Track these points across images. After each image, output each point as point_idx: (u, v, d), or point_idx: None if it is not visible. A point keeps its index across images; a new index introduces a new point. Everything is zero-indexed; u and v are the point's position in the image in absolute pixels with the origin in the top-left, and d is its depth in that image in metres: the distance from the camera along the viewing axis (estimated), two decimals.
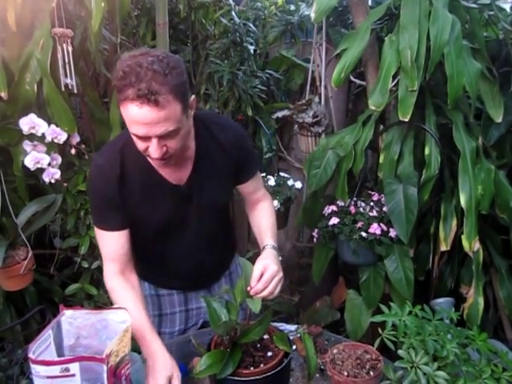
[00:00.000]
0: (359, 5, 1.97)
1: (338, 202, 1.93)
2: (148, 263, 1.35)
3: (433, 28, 1.66)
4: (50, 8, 1.58)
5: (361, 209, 1.84)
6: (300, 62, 2.54)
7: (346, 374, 1.07)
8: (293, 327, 1.46)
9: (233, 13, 2.31)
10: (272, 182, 2.14)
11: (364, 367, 1.08)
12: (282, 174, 2.33)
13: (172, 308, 1.47)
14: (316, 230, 1.98)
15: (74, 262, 1.93)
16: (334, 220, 1.83)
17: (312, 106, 2.25)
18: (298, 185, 2.22)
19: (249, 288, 1.15)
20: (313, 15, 1.96)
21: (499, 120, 1.83)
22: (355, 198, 1.92)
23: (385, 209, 1.81)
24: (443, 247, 1.85)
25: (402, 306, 1.05)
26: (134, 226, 1.24)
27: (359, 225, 1.77)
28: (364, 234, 1.75)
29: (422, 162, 1.84)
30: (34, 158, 1.63)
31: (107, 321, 1.06)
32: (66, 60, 1.64)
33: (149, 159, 1.15)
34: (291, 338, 1.28)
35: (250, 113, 2.40)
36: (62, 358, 0.93)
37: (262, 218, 1.41)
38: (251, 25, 2.37)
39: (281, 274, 1.19)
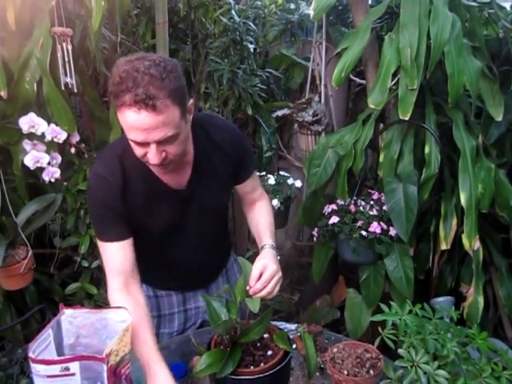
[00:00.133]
0: (359, 3, 1.96)
1: (338, 201, 1.93)
2: (147, 266, 1.34)
3: (433, 26, 1.66)
4: (49, 7, 1.58)
5: (361, 208, 1.84)
6: (300, 61, 2.54)
7: (346, 372, 1.07)
8: (293, 326, 1.47)
9: (233, 11, 2.30)
10: (272, 180, 2.14)
11: (364, 366, 1.08)
12: (281, 172, 2.33)
13: (171, 309, 1.47)
14: (316, 229, 1.98)
15: (73, 261, 1.93)
16: (334, 219, 1.83)
17: (312, 104, 2.25)
18: (298, 184, 2.22)
19: (248, 287, 1.15)
20: (311, 13, 1.96)
21: (499, 119, 1.83)
22: (355, 197, 1.92)
23: (385, 208, 1.81)
24: (443, 246, 1.85)
25: (402, 304, 1.05)
26: (134, 231, 1.22)
27: (359, 224, 1.77)
28: (364, 233, 1.75)
29: (422, 160, 1.84)
30: (33, 157, 1.63)
31: (107, 320, 1.06)
32: (66, 59, 1.64)
33: (148, 165, 1.14)
34: (291, 336, 1.29)
35: (249, 111, 2.40)
36: (62, 358, 0.93)
37: (260, 217, 1.41)
38: (251, 23, 2.37)
39: (280, 274, 1.19)
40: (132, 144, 1.06)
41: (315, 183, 1.98)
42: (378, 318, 1.04)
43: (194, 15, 2.26)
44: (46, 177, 1.67)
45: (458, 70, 1.67)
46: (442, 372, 0.92)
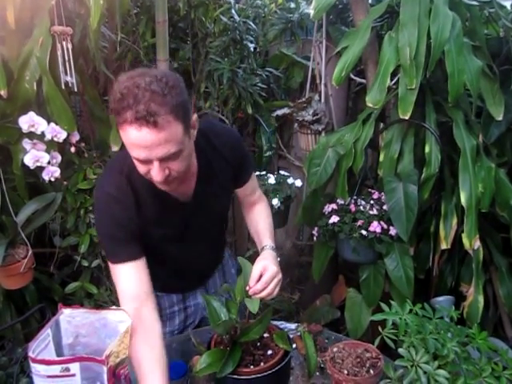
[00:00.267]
0: (359, 2, 1.96)
1: (338, 201, 1.93)
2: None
3: (433, 25, 1.66)
4: (49, 6, 1.58)
5: (361, 207, 1.84)
6: (300, 60, 2.54)
7: (346, 372, 1.06)
8: (293, 325, 1.47)
9: (233, 11, 2.30)
10: (272, 180, 2.14)
11: (364, 366, 1.08)
12: (281, 172, 2.33)
13: (171, 307, 1.48)
14: (316, 229, 1.98)
15: (73, 260, 1.93)
16: (334, 218, 1.83)
17: (312, 103, 2.25)
18: (298, 183, 2.21)
19: (247, 288, 1.15)
20: (312, 12, 1.96)
21: (500, 118, 1.83)
22: (355, 197, 1.91)
23: (385, 207, 1.81)
24: (443, 245, 1.85)
25: (403, 304, 1.05)
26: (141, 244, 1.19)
27: (359, 223, 1.77)
28: (364, 233, 1.75)
29: (423, 160, 1.84)
30: (33, 156, 1.63)
31: (106, 319, 1.06)
32: (66, 58, 1.64)
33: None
34: (291, 336, 1.29)
35: (249, 111, 2.39)
36: (63, 358, 0.93)
37: (260, 219, 1.42)
38: (251, 23, 2.36)
39: (280, 276, 1.20)
40: (135, 161, 1.04)
41: (315, 182, 1.98)
42: (378, 317, 1.04)
43: (194, 14, 2.25)
44: (45, 176, 1.67)
45: (458, 69, 1.67)
46: (442, 372, 0.92)
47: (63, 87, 1.67)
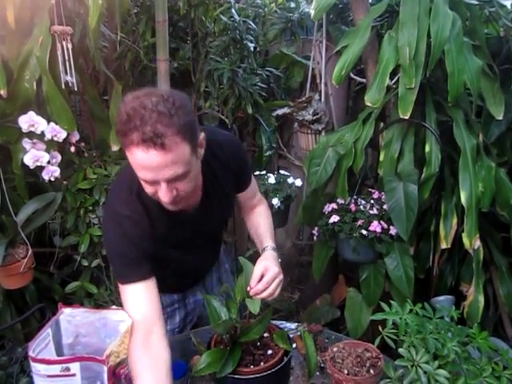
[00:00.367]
0: (360, 2, 1.96)
1: (338, 200, 1.93)
2: None
3: (433, 25, 1.66)
4: (49, 5, 1.58)
5: (361, 207, 1.84)
6: (300, 60, 2.53)
7: (346, 372, 1.06)
8: (293, 325, 1.47)
9: (233, 10, 2.30)
10: (272, 179, 2.13)
11: (364, 365, 1.08)
12: (282, 171, 2.33)
13: (171, 305, 1.49)
14: (316, 228, 1.98)
15: (73, 260, 1.93)
16: (335, 218, 1.83)
17: (312, 103, 2.24)
18: (298, 183, 2.21)
19: (248, 288, 1.15)
20: (312, 12, 1.96)
21: (500, 117, 1.82)
22: (355, 196, 1.91)
23: (385, 207, 1.81)
24: (443, 245, 1.85)
25: (403, 304, 1.05)
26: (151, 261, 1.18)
27: (359, 223, 1.77)
28: (364, 232, 1.75)
29: (423, 159, 1.83)
30: (33, 156, 1.63)
31: (106, 319, 1.06)
32: (66, 57, 1.64)
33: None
34: (291, 336, 1.29)
35: (249, 110, 2.39)
36: (63, 358, 0.93)
37: (260, 220, 1.43)
38: (251, 22, 2.36)
39: (281, 277, 1.20)
40: (142, 182, 1.03)
41: (315, 182, 1.98)
42: (379, 317, 1.04)
43: (194, 14, 2.25)
44: (45, 176, 1.67)
45: (458, 69, 1.67)
46: (442, 371, 0.92)
47: (63, 87, 1.67)
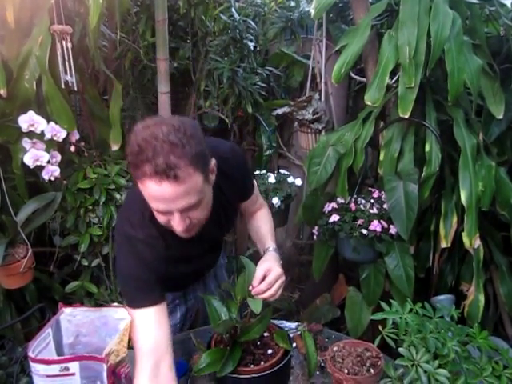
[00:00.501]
0: (359, 1, 1.96)
1: (339, 199, 1.93)
2: None
3: (433, 24, 1.66)
4: (48, 5, 1.57)
5: (361, 206, 1.84)
6: (300, 59, 2.53)
7: (346, 371, 1.06)
8: (293, 325, 1.47)
9: (232, 9, 2.30)
10: (272, 179, 2.13)
11: (364, 365, 1.08)
12: (282, 171, 2.33)
13: (173, 301, 1.51)
14: (316, 228, 1.98)
15: (73, 259, 1.93)
16: (335, 217, 1.82)
17: (312, 102, 2.24)
18: (298, 182, 2.21)
19: (250, 287, 1.15)
20: (312, 11, 1.96)
21: (500, 116, 1.82)
22: (355, 195, 1.91)
23: (385, 206, 1.81)
24: (443, 244, 1.85)
25: (403, 303, 1.05)
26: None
27: (359, 222, 1.77)
28: (364, 231, 1.75)
29: (423, 158, 1.83)
30: (33, 155, 1.63)
31: (106, 318, 1.06)
32: (66, 57, 1.63)
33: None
34: (291, 335, 1.29)
35: (249, 110, 2.39)
36: (62, 357, 0.93)
37: (261, 223, 1.44)
38: (251, 21, 2.36)
39: (283, 278, 1.20)
40: (154, 212, 1.02)
41: (315, 181, 1.98)
42: (379, 316, 1.04)
43: (194, 13, 2.25)
44: (45, 175, 1.67)
45: (458, 68, 1.67)
46: (442, 371, 0.92)
47: (63, 86, 1.67)
